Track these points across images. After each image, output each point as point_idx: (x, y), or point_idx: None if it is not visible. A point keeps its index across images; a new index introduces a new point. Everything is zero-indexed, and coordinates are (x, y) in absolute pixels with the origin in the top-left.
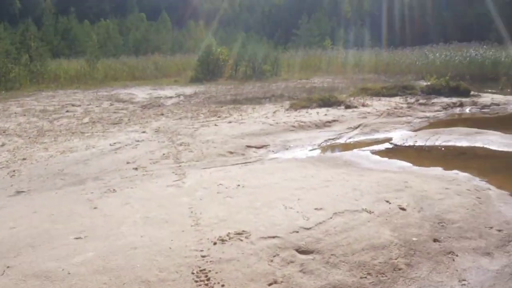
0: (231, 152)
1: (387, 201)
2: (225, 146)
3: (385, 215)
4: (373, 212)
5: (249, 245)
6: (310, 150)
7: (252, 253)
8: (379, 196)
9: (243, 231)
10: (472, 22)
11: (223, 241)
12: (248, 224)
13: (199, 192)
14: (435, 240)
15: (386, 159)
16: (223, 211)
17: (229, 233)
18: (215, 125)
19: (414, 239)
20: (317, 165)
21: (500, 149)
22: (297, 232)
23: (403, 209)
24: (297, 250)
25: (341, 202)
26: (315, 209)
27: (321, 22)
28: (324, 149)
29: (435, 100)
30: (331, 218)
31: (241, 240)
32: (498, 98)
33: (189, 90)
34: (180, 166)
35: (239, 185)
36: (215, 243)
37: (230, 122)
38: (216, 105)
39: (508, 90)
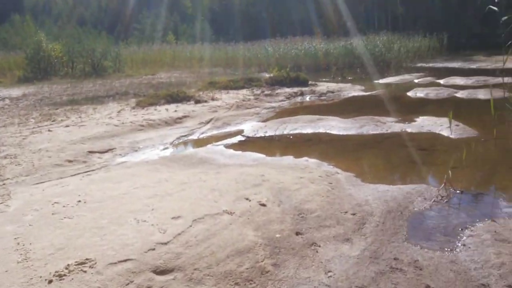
0: (70, 161)
1: (247, 199)
2: (62, 154)
3: (247, 214)
4: (234, 212)
5: (95, 276)
6: (162, 149)
7: (100, 286)
8: (238, 194)
9: (87, 259)
10: (303, 17)
11: (61, 276)
12: (93, 250)
13: (28, 216)
14: (297, 233)
15: (240, 152)
16: (60, 237)
17: (68, 264)
18: (49, 130)
19: (277, 235)
20: (171, 166)
21: (340, 133)
22: (153, 249)
23: (263, 205)
24: (154, 272)
25: (201, 206)
26: (173, 218)
27: (163, 16)
28: (177, 147)
29: (279, 91)
30: (190, 226)
31: (85, 272)
32: (332, 86)
33: (16, 91)
34: (4, 184)
35: (80, 201)
36: (50, 281)
37: (67, 126)
38: (50, 108)
39: (339, 78)
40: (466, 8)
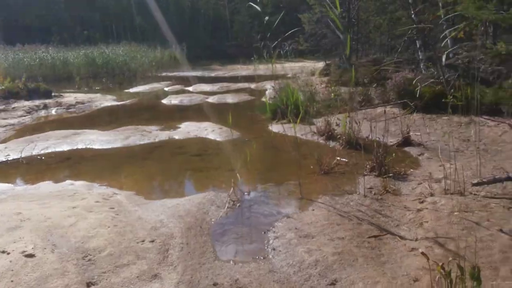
0: None
1: (3, 252)
2: None
3: (8, 274)
4: None
5: None
6: None
7: None
8: None
9: None
10: (33, 23)
11: None
12: None
13: None
14: (89, 285)
15: None
16: None
17: None
18: None
19: None
20: None
21: (104, 147)
22: None
23: (30, 255)
24: None
25: None
26: None
27: None
28: None
29: (15, 105)
30: None
31: None
32: (81, 96)
33: None
34: None
35: None
36: None
37: None
38: None
39: (86, 89)
40: (198, 22)
